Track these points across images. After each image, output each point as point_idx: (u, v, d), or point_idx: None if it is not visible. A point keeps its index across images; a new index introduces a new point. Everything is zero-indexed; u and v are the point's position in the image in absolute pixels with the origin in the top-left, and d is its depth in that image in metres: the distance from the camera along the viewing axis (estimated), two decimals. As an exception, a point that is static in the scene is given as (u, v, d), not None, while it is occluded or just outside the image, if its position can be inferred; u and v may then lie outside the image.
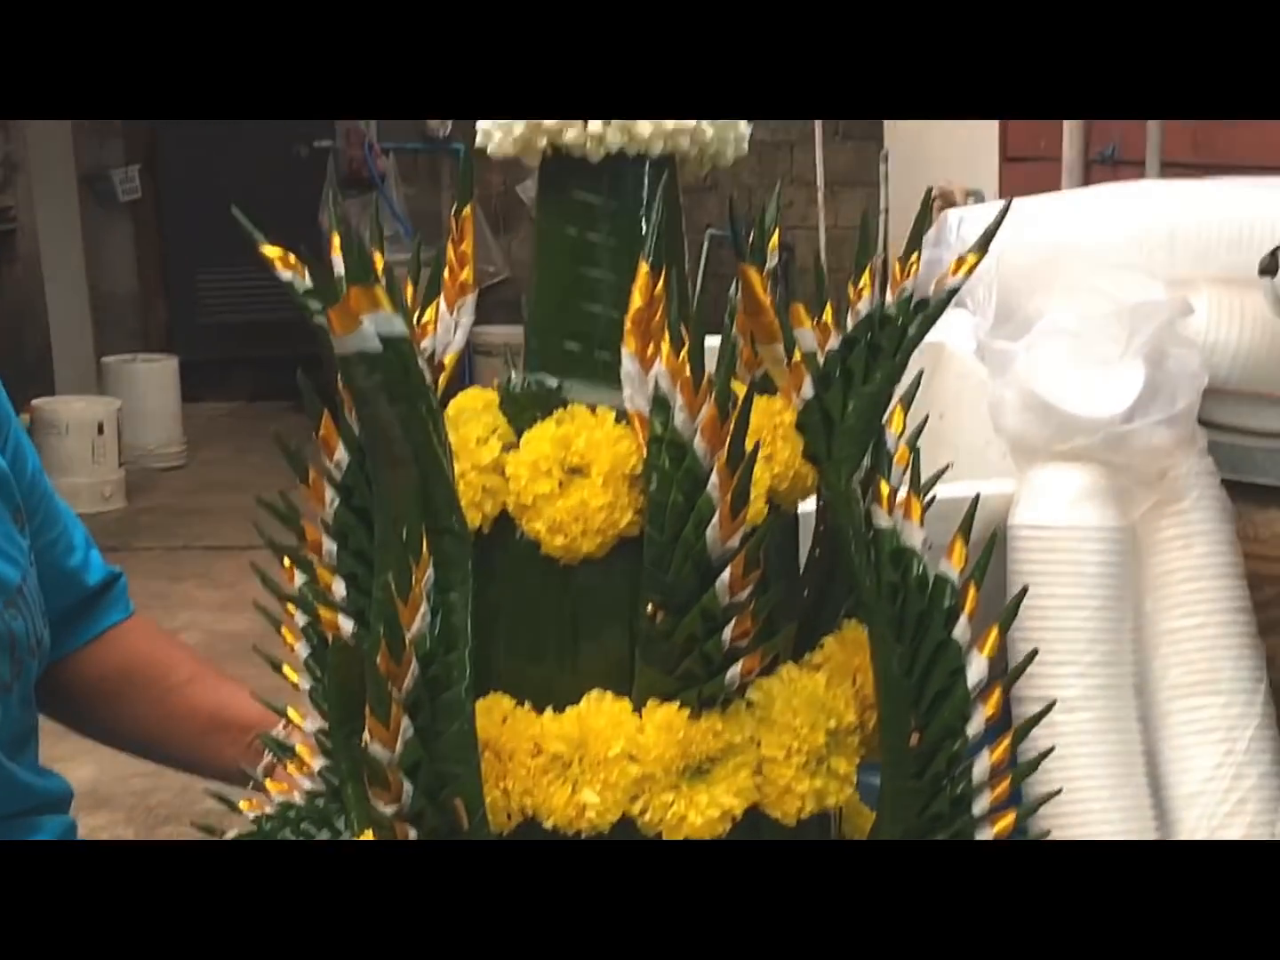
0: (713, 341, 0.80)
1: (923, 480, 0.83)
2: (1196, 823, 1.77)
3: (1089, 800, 1.74)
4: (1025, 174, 4.85)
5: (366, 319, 0.64)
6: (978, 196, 5.38)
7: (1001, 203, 1.01)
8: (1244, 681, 1.79)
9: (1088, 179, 4.22)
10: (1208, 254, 1.97)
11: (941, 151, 5.95)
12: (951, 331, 2.20)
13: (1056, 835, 1.73)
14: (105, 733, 1.23)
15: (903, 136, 6.44)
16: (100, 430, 5.05)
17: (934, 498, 0.88)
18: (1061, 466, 1.80)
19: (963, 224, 2.11)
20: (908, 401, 0.86)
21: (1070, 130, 3.79)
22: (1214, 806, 1.77)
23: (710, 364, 0.73)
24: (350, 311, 0.64)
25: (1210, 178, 3.68)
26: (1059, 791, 1.32)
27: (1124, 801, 1.75)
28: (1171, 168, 3.73)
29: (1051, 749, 1.05)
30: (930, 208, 1.02)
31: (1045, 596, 1.77)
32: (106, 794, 2.50)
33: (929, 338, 2.25)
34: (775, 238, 0.88)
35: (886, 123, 6.76)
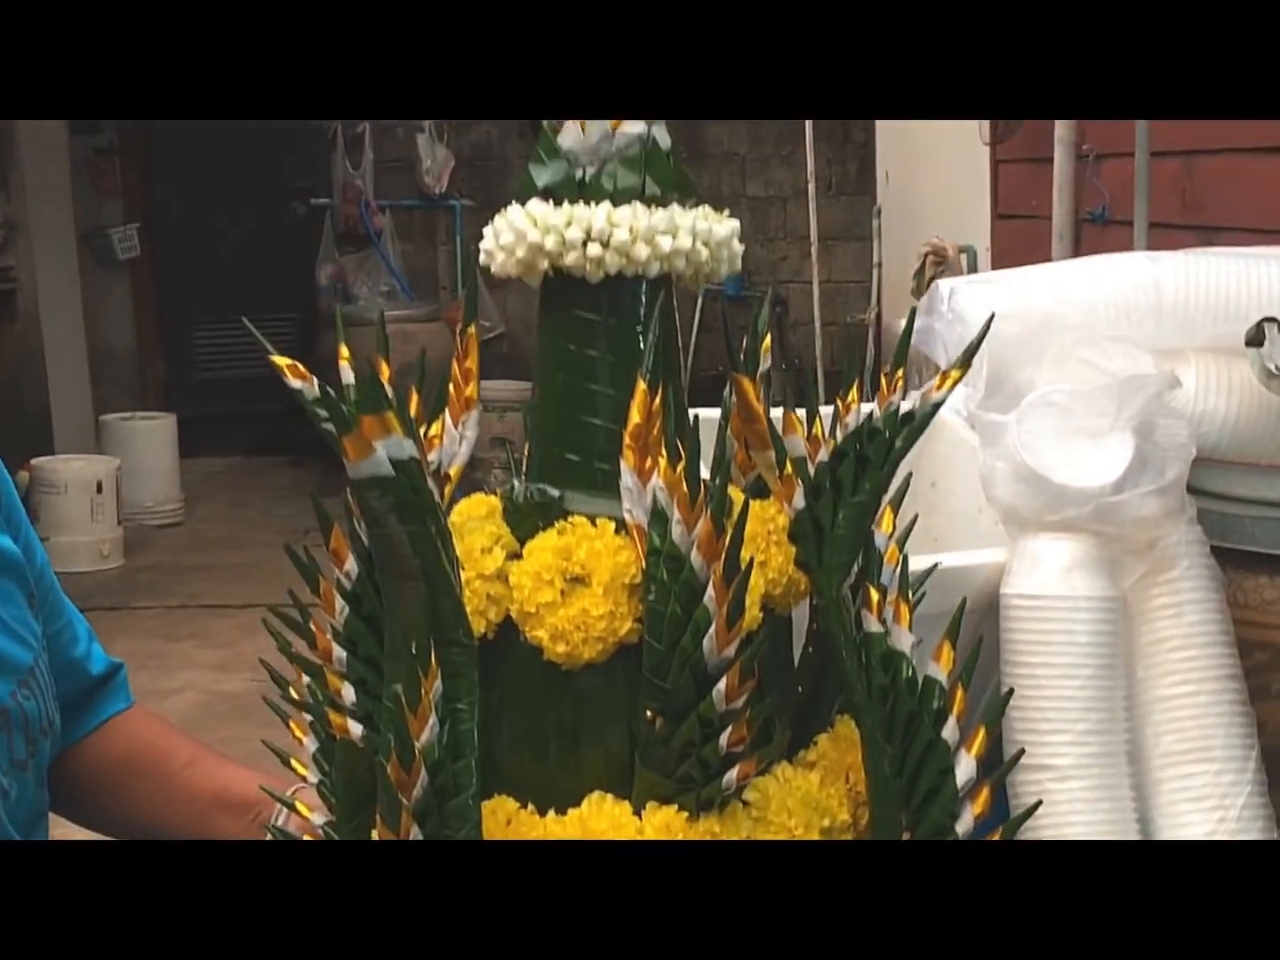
0: (707, 413, 0.83)
1: (890, 547, 0.85)
2: (1189, 890, 1.79)
3: (1083, 867, 1.76)
4: (1016, 231, 4.90)
5: (379, 445, 0.67)
6: (970, 253, 5.43)
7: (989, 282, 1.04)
8: (1236, 749, 1.81)
9: (1078, 238, 4.26)
10: (1195, 325, 2.01)
11: (933, 208, 6.01)
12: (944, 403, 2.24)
13: (1050, 902, 1.76)
14: (108, 821, 1.25)
15: (895, 192, 6.50)
16: (99, 489, 5.08)
17: (923, 595, 0.91)
18: (1053, 537, 1.83)
19: (954, 295, 2.15)
20: (896, 503, 0.89)
21: (1060, 190, 3.83)
22: (1206, 873, 1.79)
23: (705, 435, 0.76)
24: (364, 439, 0.67)
25: (1199, 238, 3.72)
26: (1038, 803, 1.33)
27: (1117, 868, 1.77)
28: (1160, 228, 3.76)
29: (1038, 803, 1.07)
30: (910, 323, 1.06)
31: (1038, 665, 1.80)
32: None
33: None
34: (767, 342, 0.91)
35: (879, 179, 6.83)
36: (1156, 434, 1.87)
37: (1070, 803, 1.81)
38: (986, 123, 5.00)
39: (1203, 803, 1.82)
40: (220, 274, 6.91)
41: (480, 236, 0.84)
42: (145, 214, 6.89)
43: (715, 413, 0.88)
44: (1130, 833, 1.81)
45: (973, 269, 5.50)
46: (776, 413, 0.84)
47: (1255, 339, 1.87)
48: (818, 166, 6.19)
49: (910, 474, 0.93)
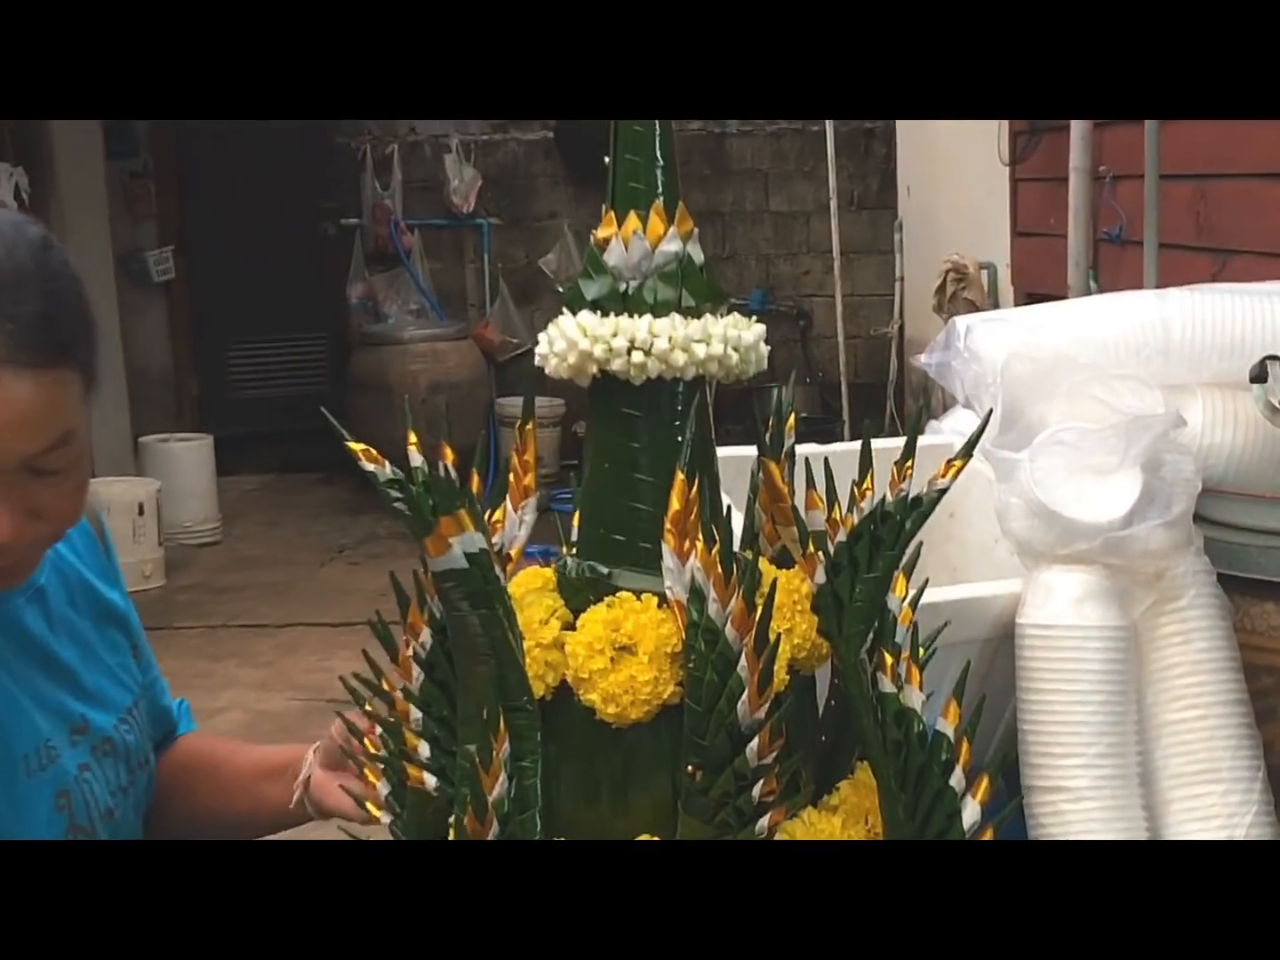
0: (729, 453, 0.91)
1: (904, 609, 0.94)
2: (1198, 905, 1.88)
3: (1097, 883, 1.85)
4: (1035, 248, 4.98)
5: (455, 541, 0.78)
6: (990, 270, 5.51)
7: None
8: (1243, 770, 1.91)
9: (1095, 257, 4.33)
10: (1202, 361, 2.10)
11: (953, 223, 6.08)
12: (960, 436, 2.33)
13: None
14: (179, 821, 1.36)
15: (916, 207, 6.58)
16: (140, 510, 5.20)
17: (934, 651, 1.01)
18: (1065, 569, 1.93)
19: (970, 333, 2.25)
20: (909, 570, 0.98)
21: (1075, 214, 3.91)
22: (1215, 889, 1.88)
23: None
24: (442, 538, 0.77)
25: (1212, 260, 3.78)
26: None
27: (1130, 885, 1.86)
28: (1175, 250, 3.83)
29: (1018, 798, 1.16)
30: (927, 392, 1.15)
31: (1052, 693, 1.89)
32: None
33: (940, 440, 2.37)
34: (791, 422, 1.00)
35: (900, 194, 6.91)
36: (1164, 470, 1.97)
37: (1085, 823, 1.90)
38: (1005, 141, 5.09)
39: (1210, 822, 1.92)
40: (253, 294, 7.03)
41: (507, 254, 0.94)
42: (180, 236, 7.02)
43: (739, 450, 0.96)
44: (1142, 851, 1.91)
45: (993, 285, 5.57)
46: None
47: (1259, 376, 1.97)
48: (839, 181, 6.26)
49: (921, 543, 1.02)
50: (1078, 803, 1.92)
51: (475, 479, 0.97)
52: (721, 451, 0.98)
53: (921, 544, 1.04)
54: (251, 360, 7.27)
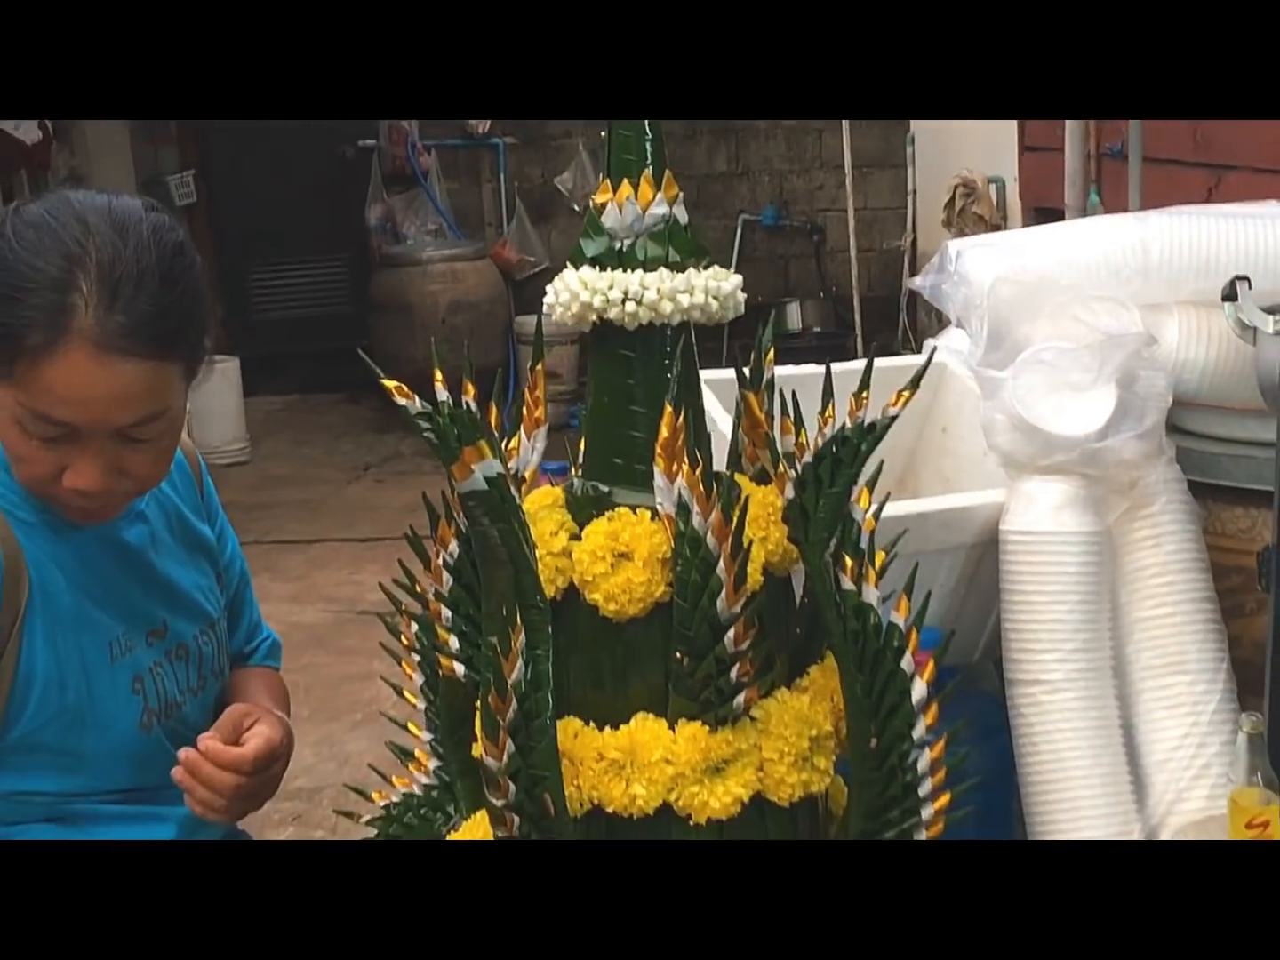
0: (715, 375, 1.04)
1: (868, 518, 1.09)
2: (1165, 786, 2.05)
3: (1073, 769, 2.02)
4: (1042, 164, 5.04)
5: (476, 468, 0.93)
6: (998, 184, 5.58)
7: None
8: (1208, 662, 2.07)
9: (1098, 172, 4.41)
10: (1179, 281, 2.23)
11: (964, 138, 6.12)
12: (954, 353, 2.46)
13: (1043, 801, 2.01)
14: None
15: (928, 121, 6.63)
16: (171, 432, 5.36)
17: (895, 556, 1.15)
18: (1045, 479, 2.08)
19: (960, 256, 2.38)
20: (872, 485, 1.13)
21: (1072, 127, 3.94)
22: (1180, 772, 2.05)
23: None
24: (466, 465, 0.92)
25: (1208, 176, 3.86)
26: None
27: (1103, 769, 2.03)
28: (1172, 165, 3.89)
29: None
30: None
31: (1032, 593, 2.05)
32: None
33: (935, 359, 2.53)
34: (770, 355, 1.14)
35: (911, 107, 6.94)
36: (1137, 385, 2.12)
37: (1061, 712, 2.08)
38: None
39: (1177, 710, 2.09)
40: (274, 217, 7.12)
41: (523, 174, 1.07)
42: (200, 160, 7.10)
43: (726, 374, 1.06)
44: (1115, 738, 2.08)
45: (1001, 200, 5.64)
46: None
47: (1230, 294, 2.11)
48: (850, 97, 6.29)
49: (882, 461, 1.17)
50: (1054, 694, 2.09)
51: (494, 409, 1.12)
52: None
53: (883, 461, 1.18)
54: (274, 282, 7.38)
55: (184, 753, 1.23)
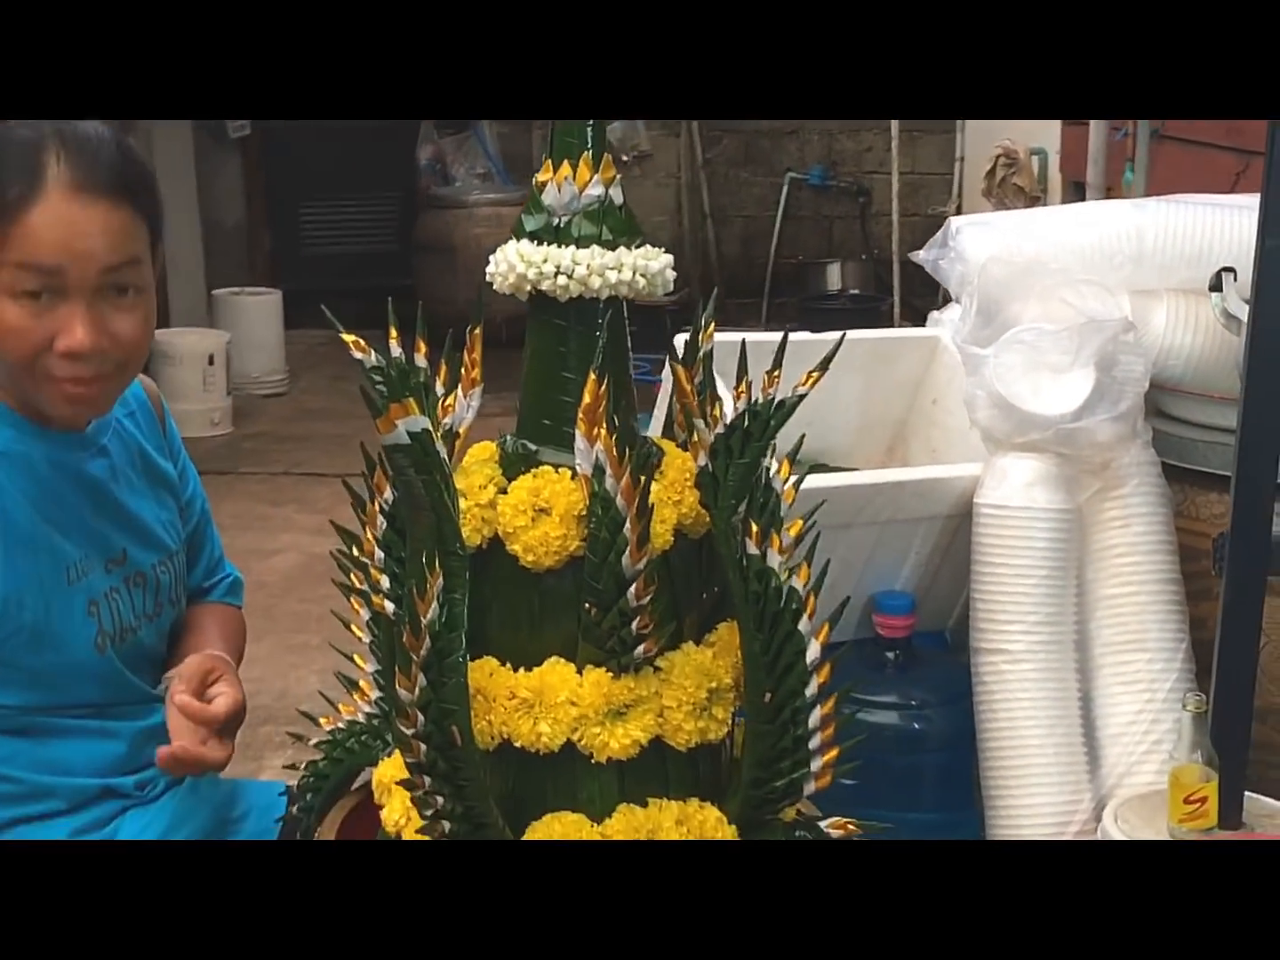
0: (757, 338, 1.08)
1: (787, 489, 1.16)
2: (1117, 759, 2.12)
3: (1029, 736, 2.09)
4: (1084, 138, 5.05)
5: (400, 423, 1.01)
6: (1041, 156, 5.59)
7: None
8: (1168, 641, 2.13)
9: (1133, 150, 4.41)
10: (1170, 269, 2.28)
11: (1011, 107, 6.09)
12: (946, 328, 2.52)
13: (999, 767, 2.09)
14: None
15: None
16: (211, 361, 5.46)
17: (813, 524, 1.22)
18: (1019, 456, 2.15)
19: (960, 233, 2.43)
20: (791, 457, 1.20)
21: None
22: (1133, 746, 2.12)
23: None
24: (389, 420, 1.00)
25: (1237, 160, 3.86)
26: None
27: (1058, 739, 2.10)
28: (1205, 148, 3.89)
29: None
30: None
31: (1000, 565, 2.12)
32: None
33: (927, 332, 2.60)
34: (710, 331, 1.21)
35: (964, 73, 6.91)
36: (1116, 369, 2.18)
37: (1020, 681, 2.15)
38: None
39: (1134, 686, 2.16)
40: (326, 153, 7.21)
41: None
42: (256, 94, 7.19)
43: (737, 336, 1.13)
44: (1072, 709, 2.15)
45: (1043, 172, 5.65)
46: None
47: (1216, 285, 2.16)
48: (902, 61, 6.29)
49: (803, 435, 1.24)
50: (1016, 664, 2.17)
51: (444, 369, 1.20)
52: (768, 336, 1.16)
53: (804, 435, 1.25)
54: (323, 218, 7.48)
55: (165, 755, 1.33)
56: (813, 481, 1.18)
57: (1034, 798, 2.10)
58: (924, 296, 6.57)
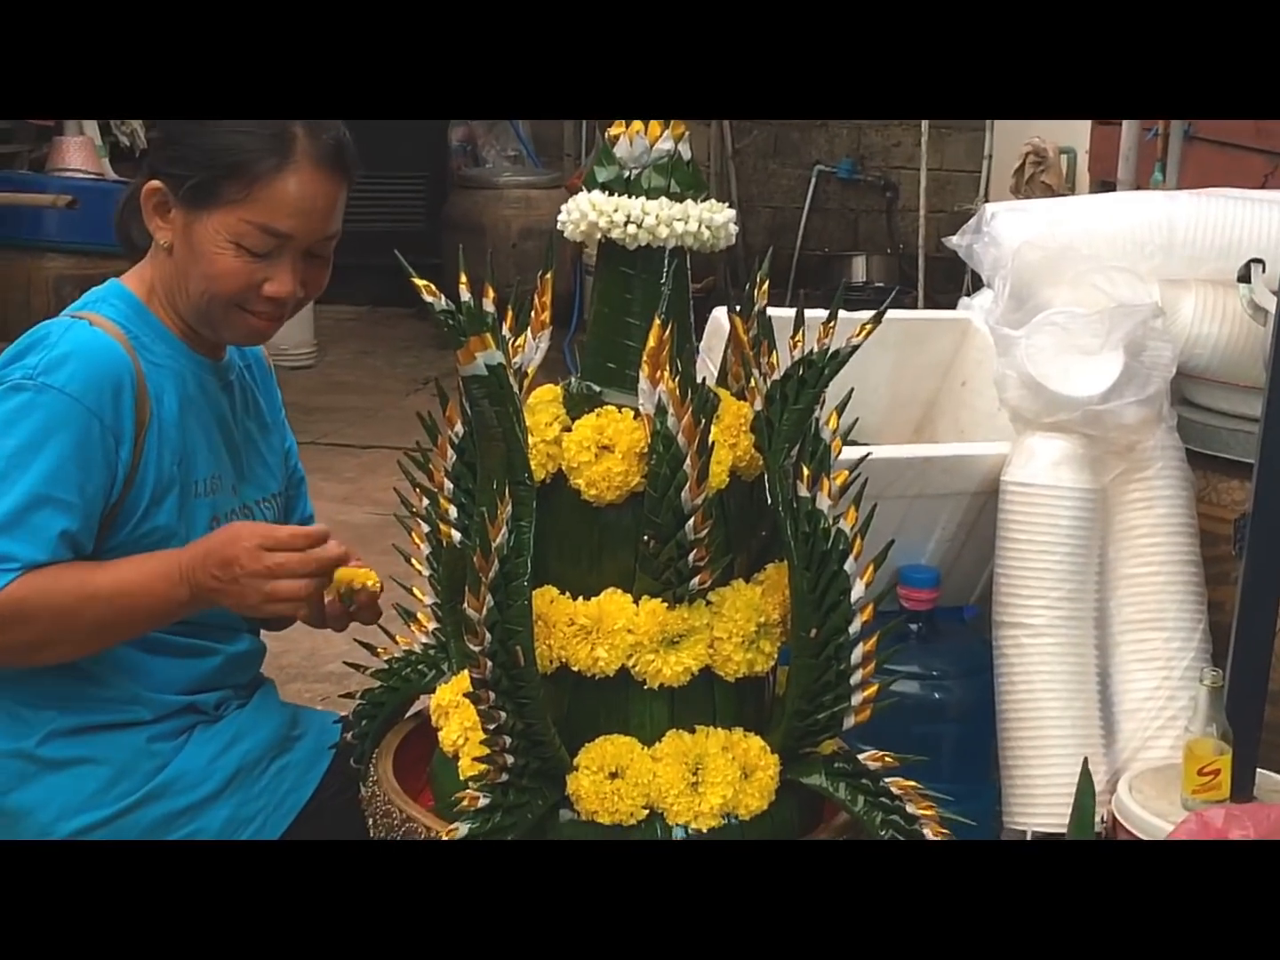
0: (779, 313, 1.15)
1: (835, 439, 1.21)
2: (1132, 733, 2.17)
3: (1047, 708, 2.14)
4: (1113, 137, 5.08)
5: (479, 355, 1.07)
6: (1070, 154, 5.62)
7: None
8: (1186, 621, 2.18)
9: (1164, 150, 4.45)
10: (1200, 259, 2.33)
11: (1041, 106, 6.12)
12: (976, 313, 2.57)
13: (1017, 737, 2.14)
14: None
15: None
16: (242, 332, 5.54)
17: (858, 475, 1.28)
18: (1047, 435, 2.20)
19: (995, 218, 2.48)
20: (841, 409, 1.26)
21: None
22: (1148, 721, 2.17)
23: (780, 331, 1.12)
24: (470, 352, 1.06)
25: (1266, 162, 3.90)
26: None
27: (1075, 713, 2.15)
28: (1236, 149, 3.93)
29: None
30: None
31: (1024, 541, 2.17)
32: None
33: (958, 315, 2.65)
34: (764, 287, 1.27)
35: (994, 71, 6.94)
36: (1144, 354, 2.23)
37: (1040, 655, 2.20)
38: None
39: (1151, 663, 2.21)
40: (358, 132, 7.24)
41: None
42: (291, 70, 7.25)
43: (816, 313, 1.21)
44: (1090, 683, 2.20)
45: (1071, 170, 5.68)
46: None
47: (1244, 276, 2.21)
48: (934, 57, 6.32)
49: (852, 389, 1.29)
50: (1036, 638, 2.22)
51: (510, 315, 1.26)
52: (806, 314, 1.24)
53: (852, 390, 1.31)
54: (354, 194, 7.48)
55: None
56: (843, 454, 1.23)
57: (1050, 768, 2.14)
58: (948, 292, 6.60)
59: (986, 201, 7.06)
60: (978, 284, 7.00)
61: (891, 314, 2.60)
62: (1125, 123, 3.89)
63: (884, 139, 7.69)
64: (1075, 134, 5.61)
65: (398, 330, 6.83)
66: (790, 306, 1.29)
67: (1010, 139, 6.41)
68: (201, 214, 1.46)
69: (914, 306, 6.29)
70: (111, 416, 1.41)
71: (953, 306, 2.81)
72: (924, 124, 6.36)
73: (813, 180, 7.50)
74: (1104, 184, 5.21)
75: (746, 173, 7.64)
